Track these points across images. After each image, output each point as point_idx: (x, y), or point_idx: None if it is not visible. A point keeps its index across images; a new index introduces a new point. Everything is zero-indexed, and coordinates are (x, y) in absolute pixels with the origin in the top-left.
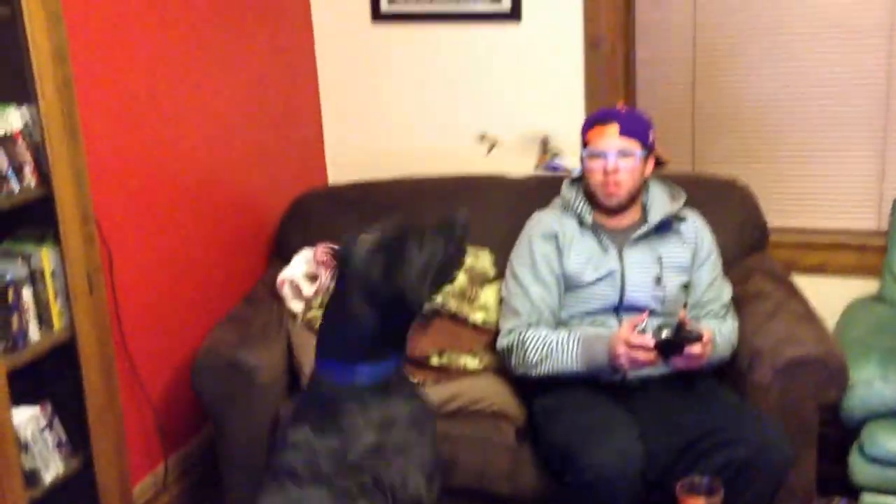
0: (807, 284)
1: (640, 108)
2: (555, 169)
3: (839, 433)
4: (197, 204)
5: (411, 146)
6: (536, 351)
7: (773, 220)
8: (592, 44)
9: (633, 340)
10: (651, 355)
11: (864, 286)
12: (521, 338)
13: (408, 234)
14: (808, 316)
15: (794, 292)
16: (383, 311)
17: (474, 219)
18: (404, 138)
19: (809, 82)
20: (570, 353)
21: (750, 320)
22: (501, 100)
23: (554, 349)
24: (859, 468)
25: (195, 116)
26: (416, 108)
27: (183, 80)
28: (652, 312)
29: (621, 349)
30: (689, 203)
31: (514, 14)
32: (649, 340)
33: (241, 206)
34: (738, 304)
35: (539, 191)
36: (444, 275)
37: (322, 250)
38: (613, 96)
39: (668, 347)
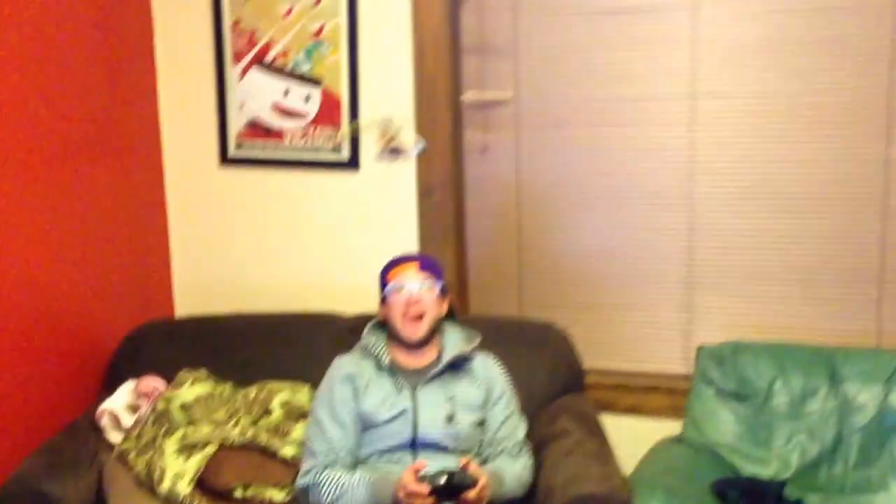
0: (622, 425)
1: (471, 254)
2: (394, 153)
3: None
4: (25, 328)
5: (257, 281)
6: (329, 493)
7: (594, 363)
8: (425, 193)
9: (409, 488)
10: (427, 501)
11: (674, 427)
12: (316, 478)
13: None
14: (601, 455)
15: (594, 432)
16: None
17: (306, 355)
18: (250, 274)
19: (622, 239)
20: (358, 495)
21: (549, 458)
22: (341, 241)
23: (345, 491)
24: None
25: (31, 242)
26: (260, 246)
27: (20, 201)
28: (446, 450)
29: (400, 493)
30: (508, 345)
31: (353, 163)
32: (423, 488)
33: (76, 335)
34: (543, 442)
35: (363, 330)
36: None
37: (146, 382)
38: (445, 242)
39: (444, 493)
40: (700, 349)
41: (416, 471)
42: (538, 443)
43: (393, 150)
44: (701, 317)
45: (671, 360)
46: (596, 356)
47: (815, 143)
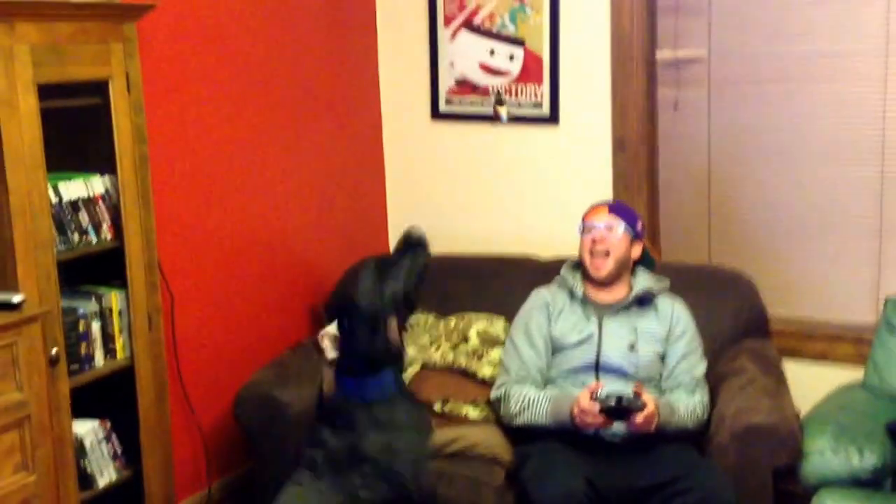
0: (809, 372)
1: (662, 205)
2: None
3: (800, 499)
4: (260, 264)
5: (463, 226)
6: (517, 403)
7: (782, 310)
8: (619, 146)
9: (582, 405)
10: (598, 419)
11: (859, 375)
12: (506, 392)
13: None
14: (775, 391)
15: (770, 371)
16: (375, 329)
17: (504, 292)
18: (457, 219)
19: (812, 191)
20: (541, 408)
21: (724, 392)
22: (541, 190)
23: (530, 404)
24: None
25: (263, 187)
26: (467, 194)
27: (253, 156)
28: (626, 375)
29: (575, 410)
30: (695, 290)
31: (553, 118)
32: (595, 406)
33: (302, 270)
34: (720, 378)
35: (558, 271)
36: (421, 276)
37: None
38: (637, 193)
39: (614, 413)
40: (888, 299)
41: (592, 391)
42: (716, 379)
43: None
44: (891, 267)
45: (860, 309)
46: (784, 304)
47: None
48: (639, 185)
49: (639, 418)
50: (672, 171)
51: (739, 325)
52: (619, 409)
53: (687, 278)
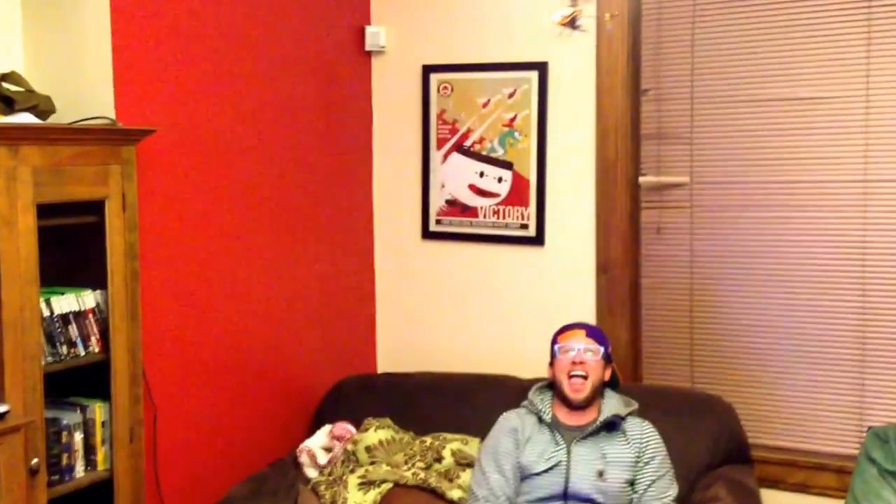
0: (790, 501)
1: (645, 328)
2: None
3: None
4: (245, 378)
5: (450, 344)
6: None
7: (764, 438)
8: (603, 269)
9: None
10: None
11: None
12: None
13: None
14: None
15: (745, 501)
16: None
17: (484, 412)
18: (444, 336)
19: (792, 319)
20: None
21: None
22: (525, 310)
23: None
24: None
25: (252, 302)
26: (455, 312)
27: (244, 272)
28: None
29: None
30: (673, 413)
31: (539, 240)
32: None
33: (287, 385)
34: None
35: None
36: None
37: (339, 427)
38: (620, 315)
39: None
40: (869, 430)
41: None
42: None
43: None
44: (875, 398)
45: (843, 440)
46: (766, 432)
47: None
48: (621, 308)
49: None
50: (655, 295)
51: (718, 452)
52: None
53: (666, 402)
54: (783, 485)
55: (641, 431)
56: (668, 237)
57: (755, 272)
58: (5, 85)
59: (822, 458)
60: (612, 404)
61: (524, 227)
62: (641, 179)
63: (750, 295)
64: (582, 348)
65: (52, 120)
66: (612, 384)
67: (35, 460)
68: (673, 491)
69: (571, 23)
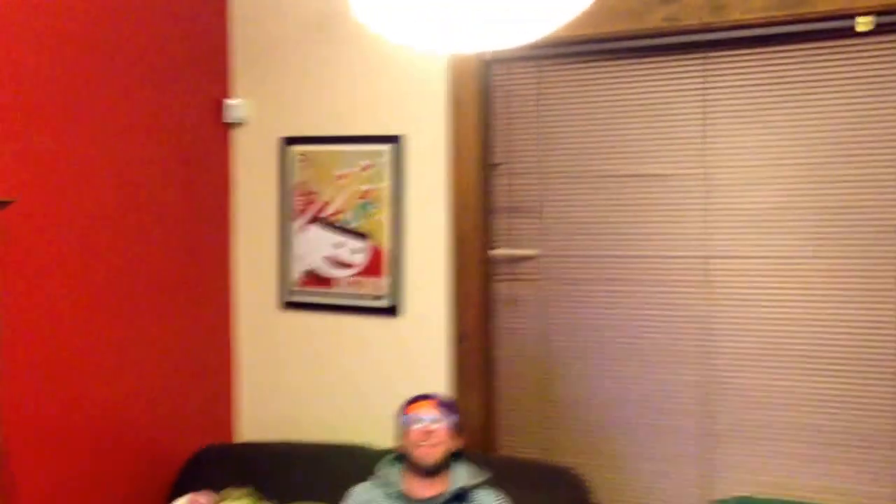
0: None
1: (499, 398)
2: None
3: None
4: (104, 447)
5: (308, 412)
6: None
7: None
8: (458, 339)
9: None
10: None
11: None
12: None
13: None
14: None
15: None
16: None
17: (337, 481)
18: (303, 405)
19: (641, 391)
20: None
21: None
22: (381, 379)
23: None
24: None
25: (108, 369)
26: (313, 381)
27: (100, 338)
28: None
29: None
30: (525, 485)
31: (393, 310)
32: None
33: (146, 456)
34: None
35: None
36: None
37: (199, 497)
38: (475, 385)
39: None
40: (715, 502)
41: None
42: None
43: None
44: (720, 471)
45: None
46: (617, 502)
47: (831, 306)
48: (476, 378)
49: None
50: (510, 366)
51: None
52: None
53: (518, 473)
54: None
55: (489, 502)
56: (522, 309)
57: (605, 344)
58: None
59: None
60: (462, 475)
61: (379, 297)
62: (493, 252)
63: (600, 366)
64: (430, 419)
65: None
66: (460, 456)
67: None
68: None
69: None
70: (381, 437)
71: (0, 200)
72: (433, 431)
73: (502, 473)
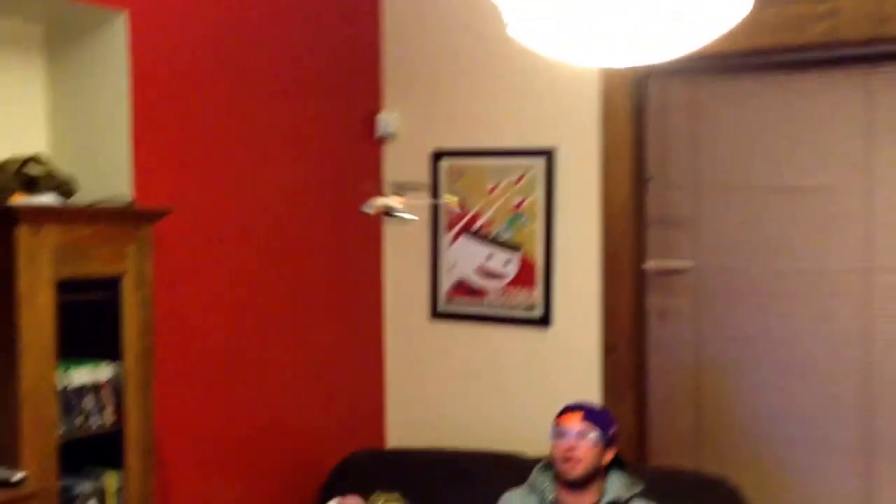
0: None
1: (651, 408)
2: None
3: None
4: (256, 452)
5: (458, 421)
6: None
7: None
8: (608, 351)
9: None
10: None
11: None
12: None
13: None
14: None
15: None
16: None
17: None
18: (452, 413)
19: (796, 405)
20: None
21: None
22: (532, 388)
23: None
24: None
25: (263, 378)
26: (462, 390)
27: (255, 348)
28: None
29: None
30: (679, 496)
31: (545, 321)
32: None
33: (298, 459)
34: None
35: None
36: None
37: (348, 500)
38: (625, 395)
39: None
40: None
41: None
42: None
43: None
44: (880, 488)
45: None
46: None
47: None
48: (627, 389)
49: None
50: (661, 376)
51: None
52: None
53: (672, 484)
54: None
55: None
56: (673, 320)
57: (760, 356)
58: (29, 166)
59: None
60: (615, 487)
61: (531, 308)
62: (645, 264)
63: (754, 379)
64: (574, 434)
65: (74, 199)
66: (619, 465)
67: None
68: None
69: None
70: (530, 446)
71: (156, 211)
72: (574, 448)
73: (655, 484)
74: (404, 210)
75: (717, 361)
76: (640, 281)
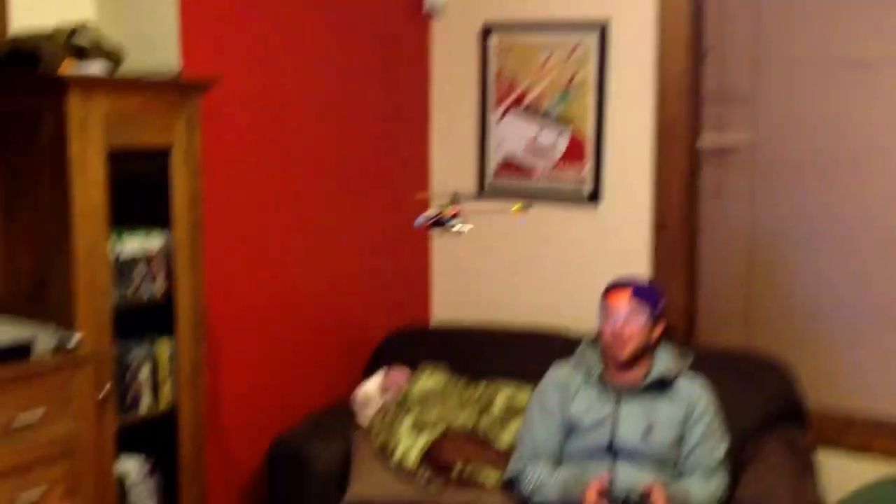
0: (848, 463)
1: (702, 289)
2: (437, 222)
3: None
4: (304, 323)
5: (504, 299)
6: (530, 484)
7: (821, 399)
8: (659, 228)
9: (590, 501)
10: None
11: None
12: (521, 470)
13: None
14: (799, 477)
15: (798, 458)
16: None
17: (533, 364)
18: (499, 292)
19: (853, 280)
20: (551, 492)
21: (746, 477)
22: (580, 267)
23: (541, 486)
24: None
25: (312, 250)
26: (509, 268)
27: (304, 221)
28: (641, 460)
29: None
30: (728, 373)
31: (595, 198)
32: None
33: (344, 331)
34: (745, 463)
35: None
36: None
37: (394, 372)
38: (675, 274)
39: None
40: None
41: (601, 485)
42: (740, 464)
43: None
44: None
45: None
46: (823, 393)
47: None
48: (677, 267)
49: None
50: (713, 255)
51: (772, 412)
52: None
53: (720, 362)
54: (840, 445)
55: (692, 390)
56: (728, 198)
57: (817, 233)
58: (78, 35)
59: (881, 419)
60: (664, 363)
61: (580, 186)
62: (700, 140)
63: (811, 256)
64: (623, 316)
65: (123, 69)
66: (668, 337)
67: (105, 390)
68: (721, 449)
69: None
70: (578, 325)
71: (205, 81)
72: (623, 329)
73: (705, 362)
74: (458, 221)
75: (771, 239)
76: (695, 158)
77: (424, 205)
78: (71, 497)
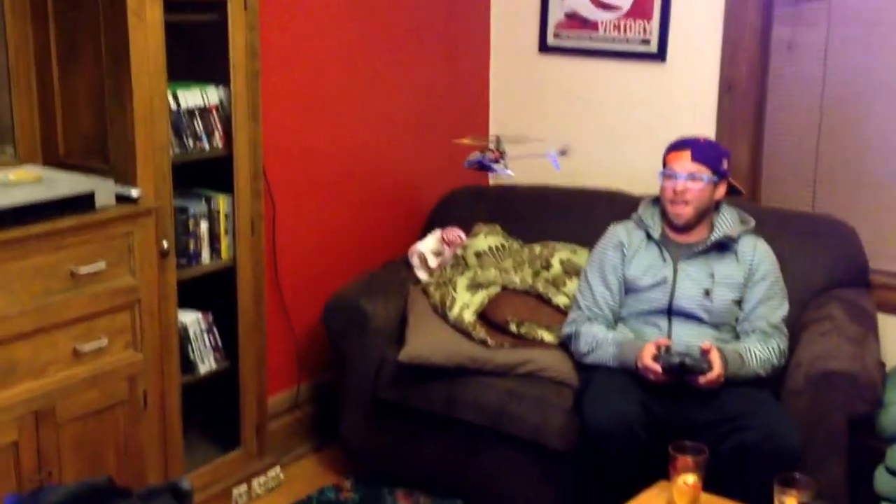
0: None
1: (767, 151)
2: (480, 165)
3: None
4: (361, 181)
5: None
6: (586, 344)
7: (886, 264)
8: (727, 88)
9: (645, 361)
10: (661, 377)
11: None
12: (577, 331)
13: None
14: (858, 339)
15: (859, 320)
16: None
17: (591, 225)
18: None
19: None
20: (608, 352)
21: (806, 338)
22: (643, 126)
23: (598, 346)
24: (882, 480)
25: (370, 107)
26: (570, 127)
27: (362, 77)
28: (699, 321)
29: (639, 363)
30: (791, 235)
31: (661, 55)
32: (657, 366)
33: (400, 190)
34: (805, 325)
35: None
36: None
37: (450, 231)
38: (742, 135)
39: (677, 373)
40: None
41: (658, 347)
42: (800, 326)
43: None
44: None
45: None
46: (887, 259)
47: None
48: (744, 128)
49: (701, 380)
50: (780, 114)
51: (835, 275)
52: (683, 370)
53: (784, 223)
54: None
55: (754, 251)
56: (800, 54)
57: (892, 93)
58: None
59: None
60: (726, 222)
61: (646, 42)
62: None
63: (886, 116)
64: (684, 177)
65: None
66: (733, 193)
67: (166, 243)
68: (781, 311)
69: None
70: (639, 184)
71: None
72: (684, 190)
73: (768, 224)
74: (501, 165)
75: (843, 99)
76: (768, 11)
77: (468, 150)
78: (134, 348)
